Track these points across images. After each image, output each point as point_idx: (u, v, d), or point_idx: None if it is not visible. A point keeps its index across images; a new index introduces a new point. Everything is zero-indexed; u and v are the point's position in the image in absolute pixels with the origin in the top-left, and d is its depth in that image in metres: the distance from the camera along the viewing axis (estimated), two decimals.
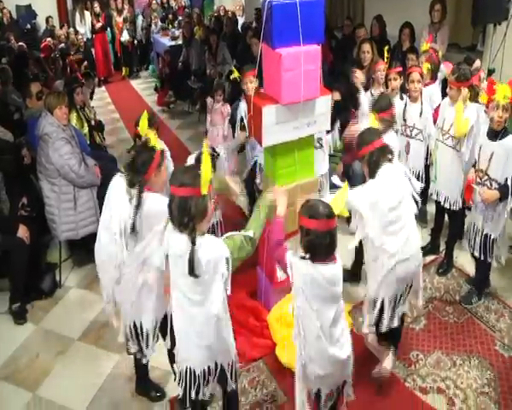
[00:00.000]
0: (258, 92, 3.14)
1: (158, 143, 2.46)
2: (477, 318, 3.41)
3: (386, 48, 4.23)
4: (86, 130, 4.85)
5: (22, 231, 3.53)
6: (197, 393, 2.16)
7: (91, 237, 3.78)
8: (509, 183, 3.06)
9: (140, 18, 11.20)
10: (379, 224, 2.55)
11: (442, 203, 3.71)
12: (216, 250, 2.01)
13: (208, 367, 2.16)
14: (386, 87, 4.11)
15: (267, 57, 3.00)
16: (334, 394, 2.27)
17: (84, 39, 10.12)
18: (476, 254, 3.36)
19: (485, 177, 3.17)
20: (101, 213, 2.57)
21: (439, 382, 2.95)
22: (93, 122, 5.14)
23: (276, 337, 3.13)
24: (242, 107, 4.13)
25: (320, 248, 2.02)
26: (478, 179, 3.23)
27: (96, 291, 3.85)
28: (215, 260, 1.99)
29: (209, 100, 4.90)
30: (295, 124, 3.05)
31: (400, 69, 4.01)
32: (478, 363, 3.06)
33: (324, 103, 3.12)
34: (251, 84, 3.86)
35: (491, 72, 4.53)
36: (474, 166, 3.31)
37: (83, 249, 4.12)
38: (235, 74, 4.32)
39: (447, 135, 3.56)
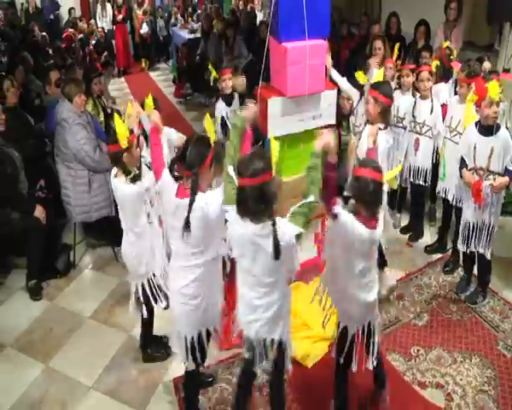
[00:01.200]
0: (264, 85, 3.19)
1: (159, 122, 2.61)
2: (481, 317, 3.41)
3: (397, 45, 4.24)
4: (102, 118, 4.96)
5: (39, 212, 3.66)
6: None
7: (104, 220, 3.98)
8: (510, 168, 3.12)
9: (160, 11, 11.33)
10: None
11: (451, 201, 3.71)
12: (290, 230, 1.98)
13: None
14: (398, 85, 4.13)
15: (274, 50, 3.06)
16: (360, 334, 2.40)
17: (106, 30, 10.28)
18: (481, 250, 3.35)
19: (487, 173, 3.17)
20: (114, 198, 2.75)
21: (438, 377, 2.97)
22: (109, 110, 5.24)
23: None
24: (222, 107, 4.01)
25: (365, 195, 2.16)
26: (477, 178, 3.22)
27: (107, 272, 4.02)
28: (289, 240, 1.98)
29: None
30: (301, 116, 3.12)
31: (413, 66, 4.01)
32: (479, 361, 3.06)
33: (330, 97, 3.18)
34: (229, 82, 3.98)
35: (506, 72, 4.50)
36: (466, 167, 3.26)
37: (96, 232, 4.27)
38: (213, 73, 4.30)
39: (455, 132, 3.58)
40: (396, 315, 3.44)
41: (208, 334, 2.48)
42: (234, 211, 2.03)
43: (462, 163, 3.28)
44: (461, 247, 3.46)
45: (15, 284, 3.90)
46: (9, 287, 3.89)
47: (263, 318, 2.14)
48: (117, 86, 9.32)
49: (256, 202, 1.94)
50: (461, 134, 3.52)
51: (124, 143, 2.55)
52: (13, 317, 3.57)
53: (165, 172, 2.32)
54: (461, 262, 3.82)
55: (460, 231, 3.43)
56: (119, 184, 2.62)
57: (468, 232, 3.35)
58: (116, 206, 3.03)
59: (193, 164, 2.18)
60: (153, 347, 3.13)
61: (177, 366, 2.97)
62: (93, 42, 9.78)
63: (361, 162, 2.36)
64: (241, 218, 2.00)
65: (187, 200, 2.18)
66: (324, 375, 2.83)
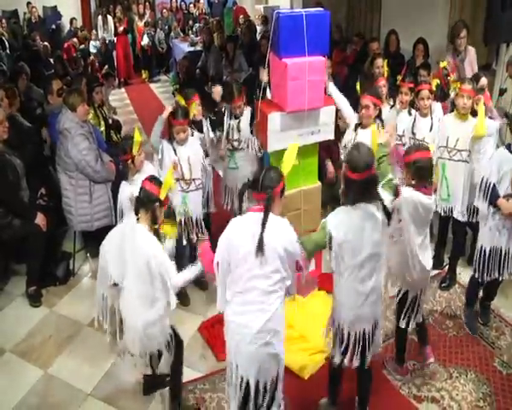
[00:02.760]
0: (264, 100, 3.26)
1: None
2: (477, 334, 3.43)
3: (386, 61, 4.30)
4: (103, 128, 5.01)
5: (40, 219, 3.69)
6: None
7: (105, 230, 3.99)
8: None
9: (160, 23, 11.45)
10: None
11: (460, 218, 3.71)
12: (387, 198, 2.51)
13: None
14: (394, 101, 4.21)
15: (274, 66, 3.14)
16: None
17: (107, 41, 10.38)
18: (507, 276, 3.23)
19: None
20: (115, 207, 2.74)
21: (433, 392, 2.99)
22: (110, 121, 5.29)
23: None
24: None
25: (424, 171, 2.60)
26: None
27: None
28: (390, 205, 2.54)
29: None
30: (300, 131, 3.18)
31: (412, 85, 4.06)
32: (475, 377, 3.08)
33: (328, 113, 3.25)
34: (197, 109, 3.74)
35: (502, 91, 4.59)
36: (498, 196, 3.08)
37: (96, 241, 4.27)
38: (180, 100, 3.75)
39: (454, 151, 3.62)
40: (392, 330, 3.46)
41: None
42: (339, 210, 2.38)
43: (494, 192, 3.05)
44: (482, 276, 3.25)
45: (15, 290, 3.92)
46: (9, 293, 3.92)
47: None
48: (117, 97, 9.39)
49: (369, 190, 2.32)
50: (461, 151, 3.57)
51: (163, 194, 2.50)
52: (12, 323, 3.59)
53: (232, 222, 2.33)
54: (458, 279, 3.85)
55: (482, 261, 3.22)
56: (143, 233, 2.44)
57: (499, 258, 3.17)
58: (116, 216, 3.10)
59: (267, 186, 2.27)
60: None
61: None
62: (93, 50, 9.83)
63: (410, 148, 2.83)
64: (352, 205, 2.33)
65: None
66: (321, 386, 2.85)
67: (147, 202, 2.46)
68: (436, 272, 4.08)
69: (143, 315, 2.45)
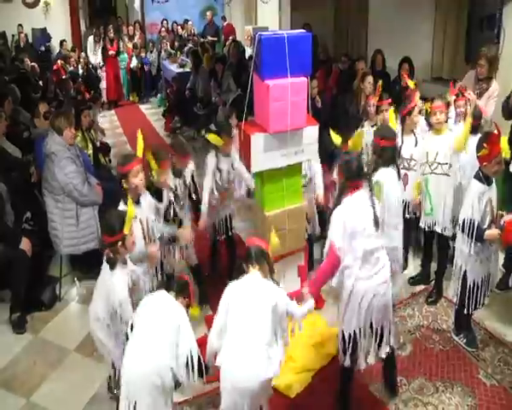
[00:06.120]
0: (247, 121, 3.30)
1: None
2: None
3: (380, 82, 4.40)
4: (91, 151, 5.02)
5: (25, 244, 3.67)
6: None
7: (92, 253, 3.98)
8: None
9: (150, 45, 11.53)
10: None
11: (443, 232, 3.77)
12: None
13: None
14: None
15: (257, 87, 3.18)
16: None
17: (99, 63, 10.42)
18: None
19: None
20: None
21: (420, 406, 3.00)
22: (98, 143, 5.31)
23: None
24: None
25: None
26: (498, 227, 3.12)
27: None
28: None
29: None
30: (283, 152, 3.21)
31: (389, 101, 4.15)
32: (460, 390, 3.10)
33: (312, 133, 3.29)
34: (137, 179, 2.93)
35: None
36: (484, 230, 3.09)
37: (83, 265, 4.26)
38: (150, 159, 3.17)
39: (435, 164, 3.70)
40: None
41: None
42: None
43: (479, 230, 3.05)
44: (474, 308, 3.29)
45: None
46: None
47: None
48: (107, 119, 9.44)
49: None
50: (442, 164, 3.65)
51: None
52: None
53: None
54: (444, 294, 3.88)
55: (473, 295, 3.25)
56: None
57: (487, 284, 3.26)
58: None
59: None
60: None
61: None
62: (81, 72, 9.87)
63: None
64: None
65: None
66: (307, 404, 2.88)
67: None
68: (423, 286, 4.13)
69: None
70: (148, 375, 2.30)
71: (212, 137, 3.62)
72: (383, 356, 2.85)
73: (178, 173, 3.53)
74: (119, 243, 2.53)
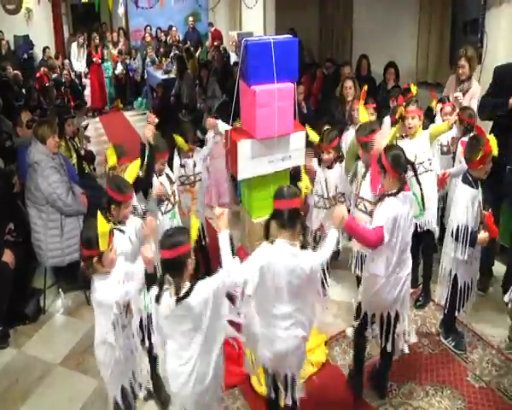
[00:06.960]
0: (235, 127, 3.28)
1: None
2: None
3: (365, 87, 4.42)
4: (75, 160, 4.96)
5: (7, 256, 3.60)
6: None
7: (77, 265, 3.92)
8: None
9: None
10: None
11: (434, 230, 3.80)
12: None
13: None
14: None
15: (244, 93, 3.16)
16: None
17: (80, 72, 10.31)
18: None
19: None
20: None
21: None
22: (83, 152, 5.25)
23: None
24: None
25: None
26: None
27: (79, 317, 3.93)
28: None
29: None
30: (270, 158, 3.19)
31: (374, 105, 4.16)
32: (450, 393, 3.11)
33: (299, 139, 3.28)
34: (128, 209, 2.81)
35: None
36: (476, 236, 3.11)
37: (68, 275, 4.19)
38: (111, 154, 3.22)
39: (417, 166, 3.67)
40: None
41: None
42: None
43: (473, 235, 3.07)
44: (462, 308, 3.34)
45: None
46: None
47: None
48: (91, 126, 9.33)
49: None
50: (422, 163, 3.63)
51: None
52: None
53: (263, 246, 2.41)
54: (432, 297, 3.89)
55: (464, 295, 3.29)
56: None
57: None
58: None
59: None
60: None
61: None
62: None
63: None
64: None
65: None
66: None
67: None
68: (411, 290, 4.12)
69: None
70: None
71: (179, 140, 3.84)
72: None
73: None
74: (95, 258, 2.28)
